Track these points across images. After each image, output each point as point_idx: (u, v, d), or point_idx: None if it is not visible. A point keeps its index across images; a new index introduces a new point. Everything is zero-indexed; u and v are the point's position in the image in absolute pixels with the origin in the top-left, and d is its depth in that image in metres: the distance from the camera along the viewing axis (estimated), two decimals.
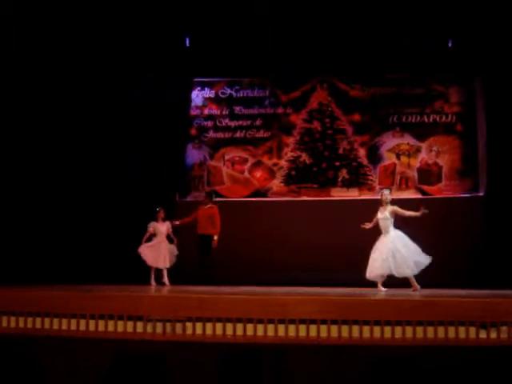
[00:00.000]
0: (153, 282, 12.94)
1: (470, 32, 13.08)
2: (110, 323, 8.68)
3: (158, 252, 12.94)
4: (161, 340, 8.46)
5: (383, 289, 11.46)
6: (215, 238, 13.41)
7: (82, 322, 8.72)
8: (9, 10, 12.40)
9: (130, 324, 8.64)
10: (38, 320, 8.79)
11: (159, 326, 8.56)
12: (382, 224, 11.72)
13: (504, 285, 11.67)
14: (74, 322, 8.75)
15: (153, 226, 13.06)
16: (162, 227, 13.12)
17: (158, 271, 13.09)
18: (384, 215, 11.68)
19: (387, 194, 11.83)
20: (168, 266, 13.09)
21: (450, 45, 13.48)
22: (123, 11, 12.94)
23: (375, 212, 13.37)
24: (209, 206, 13.53)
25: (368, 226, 11.78)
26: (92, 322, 8.72)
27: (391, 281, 11.66)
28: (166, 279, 13.02)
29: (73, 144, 13.71)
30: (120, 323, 8.65)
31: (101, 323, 8.68)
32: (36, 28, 13.04)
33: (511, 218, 13.04)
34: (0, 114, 13.34)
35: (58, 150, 13.68)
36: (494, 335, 8.08)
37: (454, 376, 8.11)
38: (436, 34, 13.24)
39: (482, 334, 8.09)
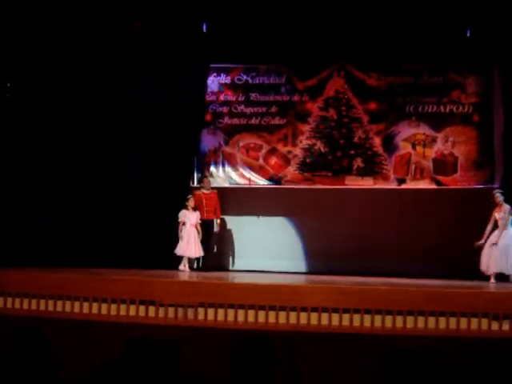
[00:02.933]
0: (184, 267, 12.88)
1: (489, 21, 12.95)
2: (122, 307, 8.72)
3: (188, 241, 12.89)
4: (172, 325, 8.48)
5: (493, 281, 11.70)
6: (219, 222, 13.50)
7: (95, 306, 8.77)
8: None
9: (142, 308, 8.67)
10: (50, 302, 8.84)
11: (171, 310, 8.58)
12: (500, 223, 11.94)
13: None
14: (86, 305, 8.80)
15: (183, 215, 13.02)
16: (192, 216, 13.03)
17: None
18: (501, 215, 11.91)
19: (500, 196, 12.03)
20: (198, 255, 13.08)
21: (468, 34, 13.37)
22: None
23: (389, 201, 13.48)
24: (211, 190, 13.59)
25: (485, 236, 12.16)
26: (104, 306, 8.76)
27: None
28: (186, 267, 12.94)
29: (91, 127, 13.70)
30: (132, 307, 8.68)
31: (113, 307, 8.73)
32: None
33: None
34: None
35: (78, 141, 13.67)
36: (506, 327, 8.06)
37: (464, 367, 8.08)
38: (454, 23, 13.12)
39: (495, 326, 8.07)
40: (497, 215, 11.84)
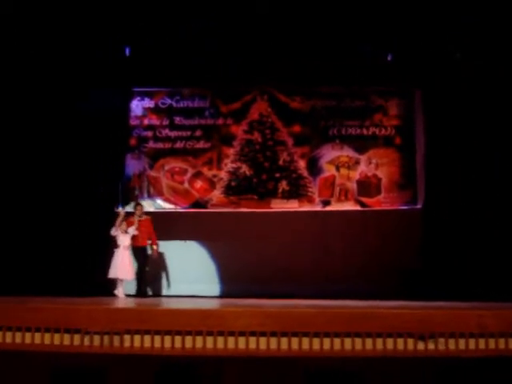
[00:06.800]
0: (118, 292, 12.65)
1: (410, 45, 13.21)
2: (47, 336, 8.52)
3: (120, 263, 12.66)
4: (98, 353, 8.33)
5: None
6: (155, 247, 13.34)
7: (18, 335, 8.54)
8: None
9: (67, 337, 8.49)
10: None
11: (97, 338, 8.42)
12: None
13: (441, 296, 11.77)
14: (9, 334, 8.57)
15: (115, 231, 12.77)
16: (125, 238, 12.87)
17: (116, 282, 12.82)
18: None
19: None
20: (130, 278, 12.85)
21: (389, 58, 13.59)
22: (62, 20, 12.77)
23: (314, 223, 13.57)
24: (145, 217, 13.42)
25: None
26: (28, 335, 8.55)
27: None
28: (120, 290, 12.72)
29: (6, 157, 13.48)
30: (57, 336, 8.49)
31: (37, 336, 8.51)
32: None
33: (448, 230, 13.18)
34: None
35: None
36: (431, 346, 8.13)
37: None
38: (376, 46, 13.32)
39: (420, 346, 8.14)
40: None
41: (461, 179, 13.22)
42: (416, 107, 14.32)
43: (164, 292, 14.25)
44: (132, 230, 12.88)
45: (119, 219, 12.84)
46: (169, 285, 14.29)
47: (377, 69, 13.71)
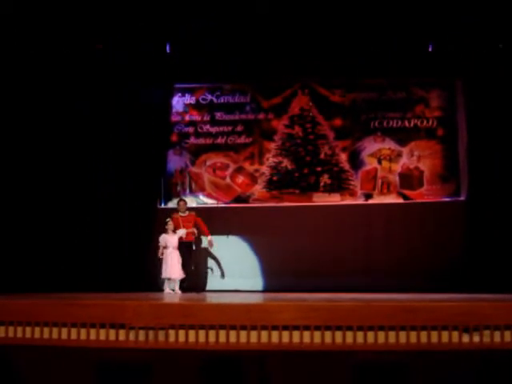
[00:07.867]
0: (169, 290, 12.70)
1: (451, 36, 13.11)
2: (92, 331, 8.60)
3: (170, 263, 12.74)
4: (143, 348, 8.39)
5: None
6: (209, 238, 13.34)
7: (64, 331, 8.63)
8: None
9: (112, 332, 8.56)
10: (19, 329, 8.70)
11: (142, 333, 8.49)
12: None
13: (486, 289, 11.69)
14: (55, 330, 8.66)
15: (163, 239, 12.92)
16: (173, 239, 12.89)
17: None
18: None
19: None
20: (181, 276, 12.88)
21: (430, 49, 13.50)
22: (102, 17, 12.88)
23: (356, 217, 13.52)
24: (188, 213, 13.44)
25: None
26: (74, 331, 8.63)
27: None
28: (176, 289, 12.79)
29: (50, 150, 13.59)
30: (102, 331, 8.57)
31: (83, 331, 8.60)
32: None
33: (492, 222, 13.07)
34: None
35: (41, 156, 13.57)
36: (476, 339, 8.07)
37: (436, 380, 8.10)
38: (416, 38, 13.24)
39: (465, 338, 8.08)
40: None
41: (505, 170, 13.09)
42: (458, 98, 14.21)
43: (207, 287, 14.32)
44: (181, 232, 12.97)
45: (170, 228, 12.90)
46: (215, 278, 14.34)
47: (418, 60, 13.63)
